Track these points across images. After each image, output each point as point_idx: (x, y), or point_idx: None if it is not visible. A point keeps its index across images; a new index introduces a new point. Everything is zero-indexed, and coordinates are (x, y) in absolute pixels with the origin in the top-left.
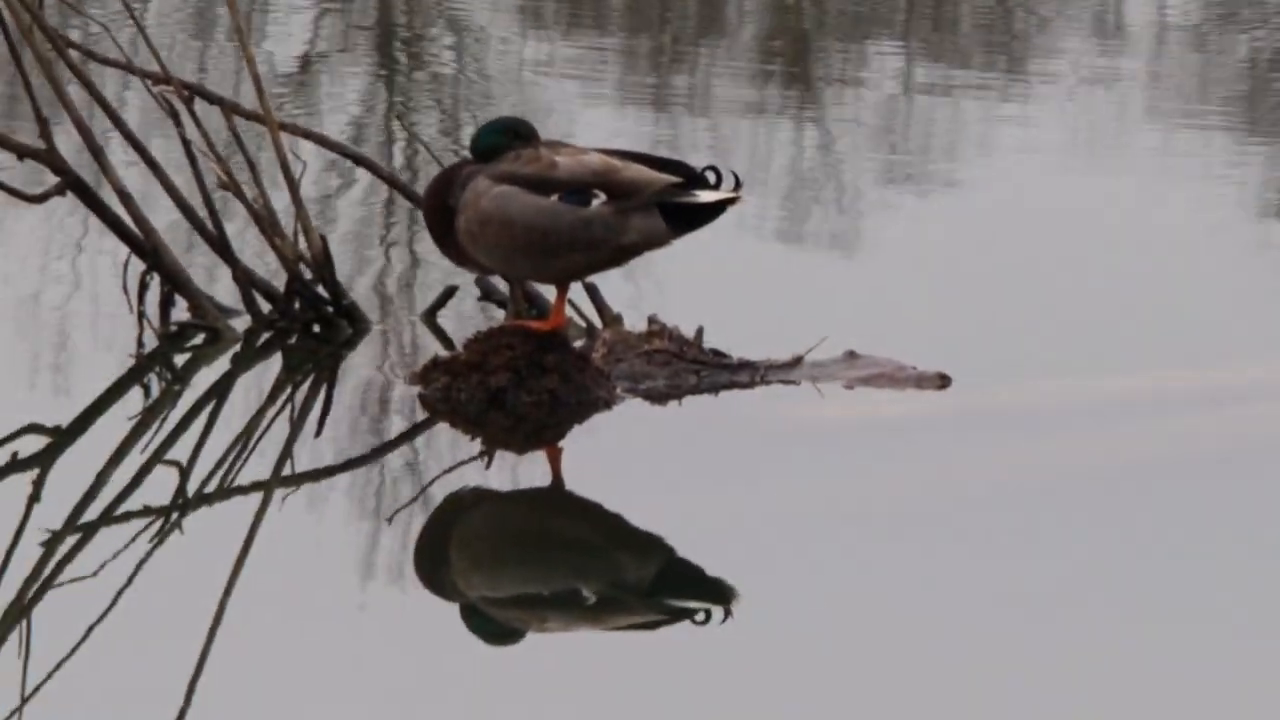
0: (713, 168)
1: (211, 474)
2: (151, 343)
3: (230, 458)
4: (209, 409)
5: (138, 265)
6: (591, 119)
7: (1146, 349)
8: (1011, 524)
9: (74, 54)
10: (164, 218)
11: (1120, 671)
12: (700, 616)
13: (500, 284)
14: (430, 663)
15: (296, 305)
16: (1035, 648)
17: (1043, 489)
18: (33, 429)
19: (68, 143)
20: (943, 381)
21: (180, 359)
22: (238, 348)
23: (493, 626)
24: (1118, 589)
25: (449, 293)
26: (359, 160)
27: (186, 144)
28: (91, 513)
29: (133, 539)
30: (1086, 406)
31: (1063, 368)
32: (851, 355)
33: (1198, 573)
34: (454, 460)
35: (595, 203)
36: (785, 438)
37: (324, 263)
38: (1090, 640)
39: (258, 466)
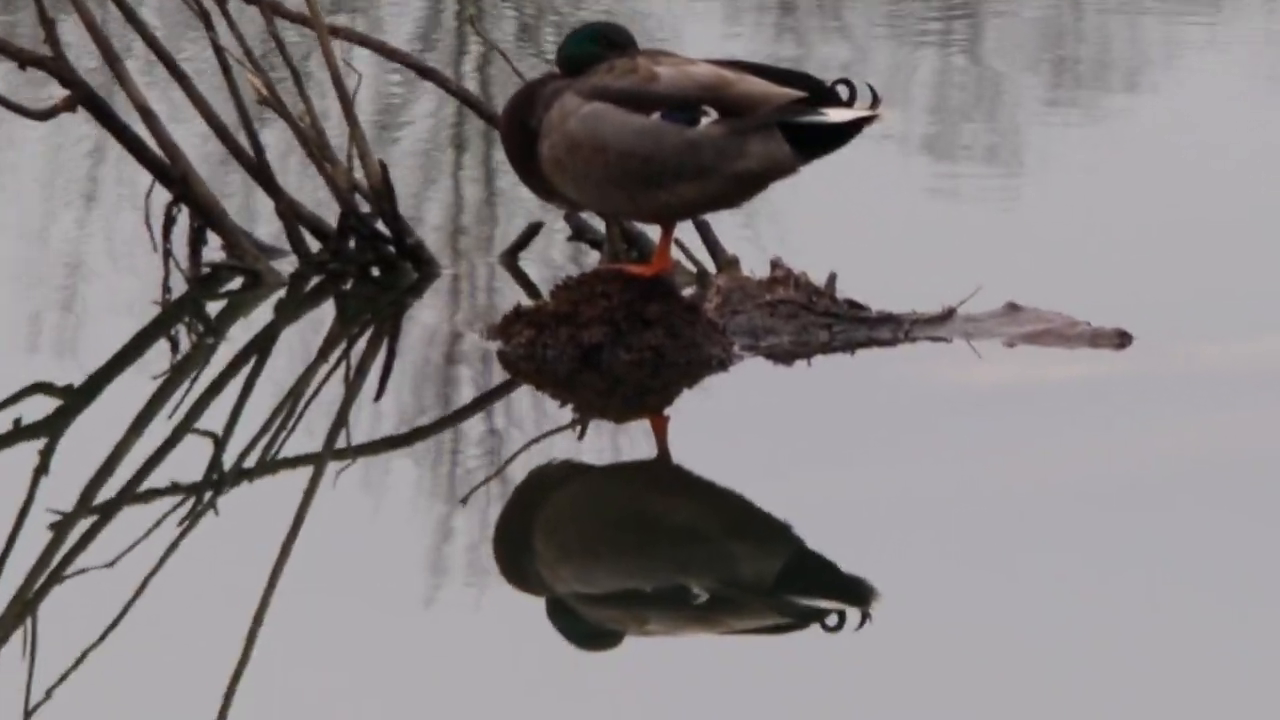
0: (845, 81)
1: (251, 445)
2: (179, 288)
3: (274, 426)
4: (248, 367)
5: (162, 195)
6: (699, 30)
7: None
8: (1202, 506)
9: None
10: (193, 139)
11: None
12: (832, 620)
13: (595, 220)
14: (510, 668)
15: (351, 244)
16: (1219, 642)
17: (1237, 465)
18: (39, 389)
19: (78, 49)
20: (1121, 339)
21: (214, 307)
22: (282, 294)
23: (584, 627)
24: None
25: (533, 231)
26: (424, 72)
27: (219, 51)
28: (108, 491)
29: (157, 523)
30: None
31: (1260, 326)
32: (1013, 308)
33: None
34: (540, 430)
35: (704, 121)
36: (935, 405)
37: (384, 193)
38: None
39: (306, 437)
